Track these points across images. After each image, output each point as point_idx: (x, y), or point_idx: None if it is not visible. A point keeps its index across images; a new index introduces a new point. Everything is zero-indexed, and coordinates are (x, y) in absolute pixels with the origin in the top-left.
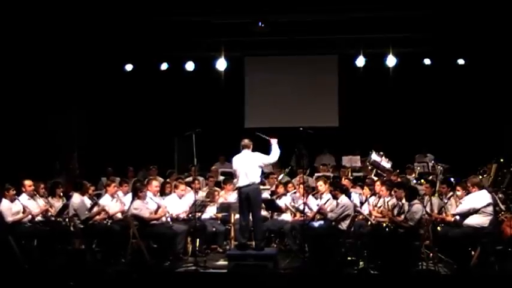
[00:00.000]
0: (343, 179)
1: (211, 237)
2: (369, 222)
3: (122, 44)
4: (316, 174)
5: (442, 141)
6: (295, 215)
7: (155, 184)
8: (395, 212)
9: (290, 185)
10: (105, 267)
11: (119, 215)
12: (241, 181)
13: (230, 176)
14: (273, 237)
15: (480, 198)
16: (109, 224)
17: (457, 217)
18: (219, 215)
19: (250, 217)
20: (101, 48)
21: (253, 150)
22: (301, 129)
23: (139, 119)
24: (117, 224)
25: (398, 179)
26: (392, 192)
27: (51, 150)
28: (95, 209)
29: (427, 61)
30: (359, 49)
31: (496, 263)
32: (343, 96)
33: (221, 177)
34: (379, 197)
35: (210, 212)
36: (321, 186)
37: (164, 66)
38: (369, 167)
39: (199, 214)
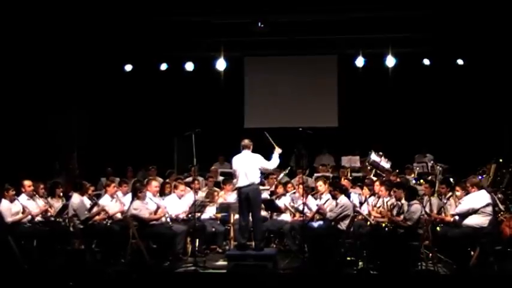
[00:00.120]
0: (342, 179)
1: (211, 238)
2: (368, 223)
3: (122, 44)
4: (315, 175)
5: (441, 142)
6: (294, 215)
7: (155, 184)
8: (395, 212)
9: (289, 185)
10: (104, 267)
11: (119, 215)
12: (241, 181)
13: (230, 176)
14: (273, 238)
15: (479, 198)
16: (109, 224)
17: (457, 217)
18: (219, 215)
19: (250, 217)
20: (100, 48)
21: (253, 151)
22: (300, 129)
23: (139, 119)
24: (117, 224)
25: (398, 179)
26: (392, 193)
27: (51, 150)
28: (95, 209)
29: (426, 61)
30: (358, 49)
31: (495, 263)
32: (343, 96)
33: (221, 178)
34: (379, 197)
35: (210, 212)
36: (321, 186)
37: (164, 66)
38: (368, 167)
39: (199, 214)
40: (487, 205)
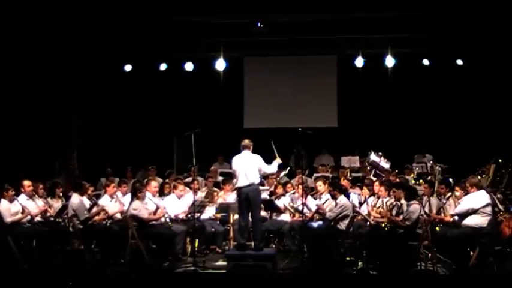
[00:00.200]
0: (341, 179)
1: (210, 238)
2: (368, 223)
3: (121, 44)
4: (315, 175)
5: (441, 142)
6: (294, 216)
7: (154, 184)
8: (394, 212)
9: (289, 185)
10: (104, 267)
11: (118, 216)
12: (241, 181)
13: (229, 177)
14: (272, 238)
15: (479, 198)
16: (108, 224)
17: (456, 217)
18: (218, 216)
19: (250, 217)
20: (100, 48)
21: (253, 151)
22: (300, 129)
23: (138, 120)
24: (116, 224)
25: (397, 179)
26: (391, 193)
27: (50, 150)
28: (94, 209)
29: (426, 62)
30: (358, 49)
31: (494, 263)
32: (342, 96)
33: (220, 178)
34: (378, 198)
35: (209, 212)
36: (320, 186)
37: (163, 66)
38: (368, 167)
39: (198, 214)
40: (487, 205)
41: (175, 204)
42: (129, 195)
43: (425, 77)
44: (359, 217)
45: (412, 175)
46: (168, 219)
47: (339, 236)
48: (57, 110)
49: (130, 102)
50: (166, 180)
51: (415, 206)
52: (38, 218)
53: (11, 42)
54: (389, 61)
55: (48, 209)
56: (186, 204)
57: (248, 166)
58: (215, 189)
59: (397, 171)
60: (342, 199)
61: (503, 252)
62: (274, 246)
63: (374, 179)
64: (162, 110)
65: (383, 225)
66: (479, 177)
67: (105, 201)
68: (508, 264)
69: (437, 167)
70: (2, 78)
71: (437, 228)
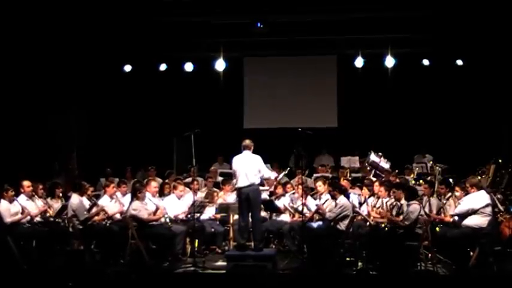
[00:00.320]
0: (341, 179)
1: (210, 238)
2: (368, 223)
3: (121, 44)
4: (314, 175)
5: (440, 142)
6: (294, 216)
7: (154, 185)
8: (394, 212)
9: (289, 185)
10: (104, 267)
11: (118, 216)
12: (241, 181)
13: (229, 177)
14: (272, 238)
15: (479, 198)
16: (108, 224)
17: (456, 218)
18: (218, 216)
19: (250, 218)
20: (100, 48)
21: (253, 152)
22: (300, 129)
23: (138, 120)
24: (116, 224)
25: (397, 180)
26: (391, 193)
27: (50, 151)
28: (94, 209)
29: (425, 62)
30: (358, 49)
31: (494, 264)
32: (342, 96)
33: (220, 178)
34: (378, 198)
35: (209, 212)
36: (320, 186)
37: (163, 66)
38: (368, 168)
39: (198, 215)
40: (487, 205)
41: (175, 204)
42: (128, 196)
43: (425, 77)
44: (359, 217)
45: (412, 175)
46: (167, 220)
47: (339, 236)
48: (57, 110)
49: (130, 103)
50: (166, 181)
51: (414, 206)
52: (37, 218)
53: (11, 43)
54: (389, 61)
55: (48, 210)
56: (186, 204)
57: (248, 166)
58: (215, 189)
59: (397, 171)
60: (341, 199)
61: (503, 253)
62: (274, 246)
63: (374, 179)
64: (162, 111)
65: (383, 225)
66: (479, 177)
67: (104, 201)
68: (507, 265)
69: (437, 167)
70: (2, 78)
71: (437, 229)
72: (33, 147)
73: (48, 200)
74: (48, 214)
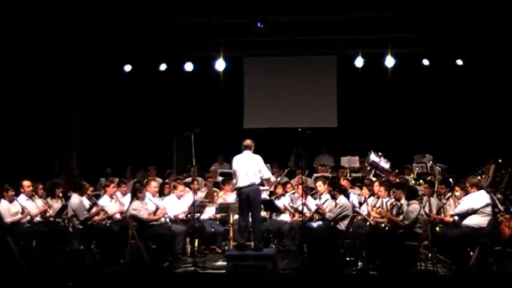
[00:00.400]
0: (341, 179)
1: (210, 238)
2: (368, 223)
3: (121, 44)
4: (314, 175)
5: (440, 142)
6: (294, 216)
7: (154, 185)
8: (394, 212)
9: (289, 185)
10: (104, 267)
11: (118, 216)
12: (242, 181)
13: (229, 177)
14: (272, 238)
15: (479, 198)
16: (108, 224)
17: (456, 217)
18: (218, 216)
19: (250, 218)
20: (100, 48)
21: (253, 152)
22: (299, 129)
23: (138, 120)
24: (116, 224)
25: (397, 180)
26: (391, 193)
27: (50, 151)
28: (94, 209)
29: (425, 62)
30: (358, 49)
31: (494, 264)
32: (342, 96)
33: (220, 178)
34: (378, 198)
35: (209, 212)
36: (320, 186)
37: (163, 66)
38: (368, 168)
39: (198, 215)
40: (487, 205)
41: (175, 204)
42: (129, 196)
43: (425, 77)
44: (359, 217)
45: (412, 175)
46: (167, 220)
47: (339, 236)
48: (57, 110)
49: (130, 103)
50: (166, 181)
51: (414, 206)
52: (37, 218)
53: (12, 43)
54: (389, 61)
55: (48, 209)
56: (186, 204)
57: (249, 166)
58: (215, 189)
59: (397, 171)
60: (341, 199)
61: (503, 253)
62: (274, 246)
63: (374, 179)
64: (162, 110)
65: (383, 225)
66: (479, 177)
67: (104, 201)
68: (507, 265)
69: (437, 167)
70: (2, 78)
71: (437, 229)
72: (33, 147)
73: (48, 200)
74: (48, 214)
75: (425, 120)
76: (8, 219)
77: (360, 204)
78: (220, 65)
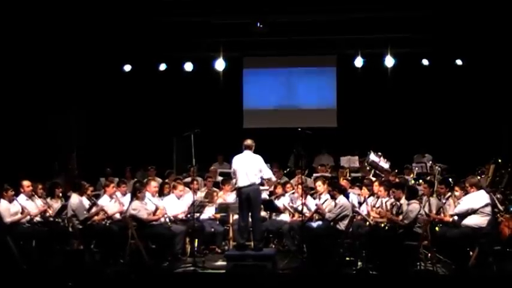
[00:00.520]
0: (341, 179)
1: (210, 238)
2: (367, 223)
3: (121, 44)
4: (314, 175)
5: (440, 142)
6: (293, 216)
7: (154, 185)
8: (394, 212)
9: (288, 185)
10: (103, 267)
11: (118, 216)
12: (242, 181)
13: (229, 177)
14: (272, 238)
15: (478, 198)
16: (107, 224)
17: (455, 217)
18: (218, 216)
19: (249, 218)
20: (99, 48)
21: (253, 152)
22: (299, 129)
23: (138, 120)
24: (116, 224)
25: (397, 180)
26: (391, 193)
27: (50, 151)
28: (94, 209)
29: (425, 62)
30: (357, 49)
31: (494, 264)
32: (342, 96)
33: (220, 178)
34: (378, 198)
35: (209, 212)
36: (320, 186)
37: (163, 66)
38: (367, 168)
39: (198, 214)
40: (486, 205)
41: (175, 204)
42: (128, 196)
43: (425, 77)
44: (358, 217)
45: (411, 175)
46: (167, 220)
47: (339, 236)
48: (57, 110)
49: (129, 103)
50: (166, 181)
51: (414, 206)
52: (37, 218)
53: (11, 43)
54: (389, 61)
55: (48, 209)
56: (186, 204)
57: (249, 166)
58: (215, 189)
59: (396, 171)
60: (341, 199)
61: (503, 253)
62: (273, 246)
63: (373, 179)
64: (162, 110)
65: (382, 225)
66: (478, 177)
67: (104, 201)
68: (507, 264)
69: (437, 167)
70: (2, 78)
71: (437, 228)
72: (33, 147)
73: (48, 199)
74: (47, 214)
75: (425, 120)
76: (8, 219)
77: (360, 204)
78: (220, 64)
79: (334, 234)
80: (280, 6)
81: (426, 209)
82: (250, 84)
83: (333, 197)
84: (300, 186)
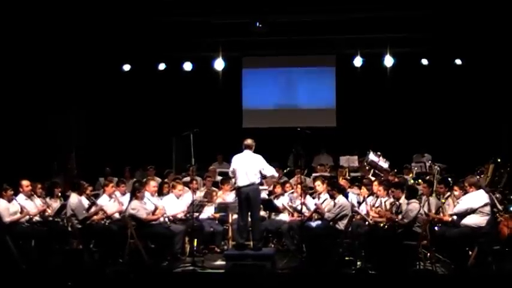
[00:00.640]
0: (340, 179)
1: (209, 238)
2: (367, 222)
3: (120, 44)
4: (313, 174)
5: (439, 141)
6: (292, 215)
7: (153, 184)
8: (393, 211)
9: (288, 185)
10: (103, 267)
11: (117, 215)
12: (241, 181)
13: (228, 176)
14: (271, 237)
15: (477, 198)
16: (107, 224)
17: (455, 217)
18: (217, 215)
19: (249, 217)
20: (99, 48)
21: (253, 152)
22: (298, 129)
23: (137, 119)
24: (115, 224)
25: (396, 179)
26: (390, 192)
27: (49, 150)
28: (93, 209)
29: (424, 61)
30: (357, 49)
31: (493, 263)
32: (341, 96)
33: (219, 178)
34: (377, 197)
35: (208, 212)
36: (319, 186)
37: (162, 66)
38: (367, 167)
39: (197, 214)
40: (485, 205)
41: (174, 204)
42: (128, 195)
43: (424, 77)
44: (358, 217)
45: (411, 175)
46: (166, 219)
47: (338, 236)
48: (56, 110)
49: (129, 102)
50: (165, 180)
51: (414, 205)
52: (36, 218)
53: (11, 43)
54: (388, 61)
55: (47, 209)
56: (185, 204)
57: (249, 166)
58: (214, 188)
59: (395, 170)
60: (340, 199)
61: (502, 252)
62: (273, 245)
63: (373, 178)
64: (161, 110)
65: (382, 224)
66: (478, 176)
67: (103, 201)
68: (506, 264)
69: (436, 167)
70: (2, 78)
71: (436, 228)
72: (32, 147)
73: (47, 199)
74: (47, 213)
75: (424, 119)
76: (7, 219)
77: (359, 203)
78: (219, 64)
79: (333, 233)
80: (279, 6)
81: (425, 209)
82: (249, 84)
83: (332, 197)
84: (299, 186)
